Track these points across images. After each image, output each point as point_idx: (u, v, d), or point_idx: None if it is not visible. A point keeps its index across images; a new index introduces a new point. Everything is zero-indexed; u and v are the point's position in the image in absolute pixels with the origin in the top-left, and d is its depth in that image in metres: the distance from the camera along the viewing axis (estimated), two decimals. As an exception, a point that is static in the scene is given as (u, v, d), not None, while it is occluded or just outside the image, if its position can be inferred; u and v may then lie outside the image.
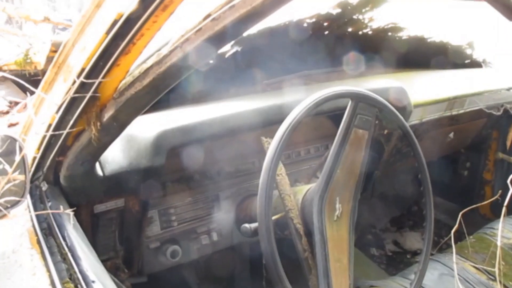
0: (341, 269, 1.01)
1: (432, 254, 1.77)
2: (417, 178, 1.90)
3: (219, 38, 0.64)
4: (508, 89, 2.01)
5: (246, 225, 1.02)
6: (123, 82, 0.75)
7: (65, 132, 0.76)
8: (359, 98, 1.05)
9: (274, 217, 1.07)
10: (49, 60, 1.51)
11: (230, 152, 1.33)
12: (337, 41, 1.60)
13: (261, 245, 0.91)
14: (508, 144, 2.14)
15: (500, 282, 1.49)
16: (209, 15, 0.64)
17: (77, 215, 0.89)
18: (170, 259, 1.25)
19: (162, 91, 0.75)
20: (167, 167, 1.21)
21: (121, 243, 1.18)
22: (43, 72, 1.53)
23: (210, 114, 1.13)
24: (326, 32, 1.47)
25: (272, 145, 0.95)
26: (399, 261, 2.18)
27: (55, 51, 1.32)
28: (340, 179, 1.05)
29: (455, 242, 1.78)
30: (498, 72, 2.12)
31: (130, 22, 0.63)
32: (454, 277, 1.51)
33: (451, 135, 1.99)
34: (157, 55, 0.72)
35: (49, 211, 0.81)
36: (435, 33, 1.88)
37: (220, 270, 1.79)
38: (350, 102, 1.05)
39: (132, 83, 0.73)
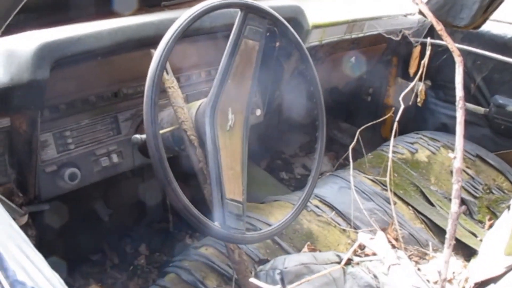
0: (234, 176, 1.05)
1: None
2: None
3: None
4: (405, 15, 2.10)
5: (137, 135, 1.02)
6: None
7: None
8: (248, 9, 1.05)
9: (168, 129, 1.08)
10: None
11: (127, 73, 1.31)
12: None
13: (149, 150, 0.92)
14: (411, 71, 2.25)
15: (391, 190, 1.62)
16: None
17: None
18: (68, 182, 1.22)
19: None
20: (59, 89, 1.17)
21: (13, 167, 1.14)
22: None
23: (97, 27, 1.09)
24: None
25: (156, 53, 0.94)
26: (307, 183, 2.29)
27: None
28: (232, 90, 1.07)
29: (355, 160, 1.90)
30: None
31: None
32: (351, 189, 1.63)
33: (353, 59, 2.07)
34: None
35: None
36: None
37: (126, 192, 1.80)
38: (239, 13, 1.05)
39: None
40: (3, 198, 1.00)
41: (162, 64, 0.94)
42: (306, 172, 2.34)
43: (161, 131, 1.03)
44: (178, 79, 1.42)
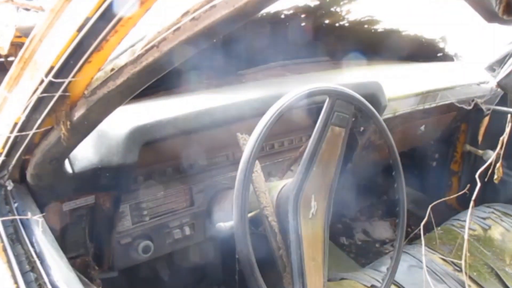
0: (315, 268, 1.01)
1: (401, 245, 1.80)
2: (387, 168, 1.93)
3: (198, 39, 0.61)
4: (479, 84, 2.04)
5: (221, 224, 1.00)
6: (95, 78, 0.71)
7: (31, 132, 0.72)
8: (337, 96, 1.03)
9: (249, 215, 1.05)
10: (13, 45, 1.43)
11: (203, 145, 1.31)
12: (313, 32, 1.58)
13: (237, 247, 0.90)
14: (480, 138, 2.17)
15: (466, 273, 1.52)
16: (187, 13, 0.61)
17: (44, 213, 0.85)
18: (142, 254, 1.22)
19: (136, 90, 0.72)
20: (139, 162, 1.18)
21: (92, 240, 1.15)
22: (7, 56, 1.46)
23: (184, 109, 1.10)
24: (303, 24, 1.44)
25: (248, 145, 0.93)
26: (368, 250, 2.21)
27: (20, 37, 1.26)
28: (316, 177, 1.04)
29: (424, 233, 1.82)
30: (470, 66, 2.15)
31: (103, 19, 0.59)
32: (423, 269, 1.54)
33: (422, 127, 2.01)
34: (131, 52, 0.69)
35: (17, 216, 0.77)
36: (409, 26, 1.88)
37: (192, 263, 1.79)
38: (327, 99, 1.04)
39: (105, 82, 0.69)
40: (80, 276, 0.99)
41: (254, 155, 0.92)
42: (367, 238, 2.26)
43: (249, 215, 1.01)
44: (262, 149, 1.40)
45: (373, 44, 1.82)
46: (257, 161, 1.07)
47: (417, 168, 2.48)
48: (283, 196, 1.05)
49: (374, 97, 1.38)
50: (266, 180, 1.29)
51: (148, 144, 1.10)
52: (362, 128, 1.35)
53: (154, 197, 1.25)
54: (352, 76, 1.46)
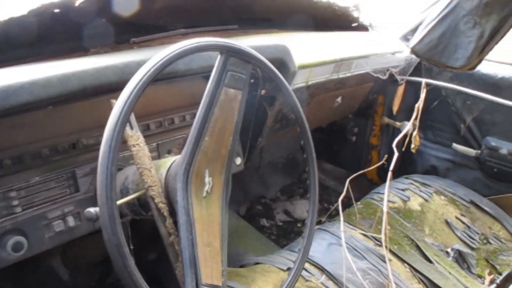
0: (212, 255, 0.86)
1: (321, 222, 1.71)
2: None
3: None
4: (393, 53, 2.00)
5: (91, 209, 0.82)
6: None
7: None
8: (229, 52, 0.89)
9: (131, 197, 0.89)
10: None
11: (87, 120, 1.12)
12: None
13: (103, 234, 0.73)
14: (395, 109, 2.15)
15: (386, 247, 1.45)
16: None
17: None
18: (11, 253, 1.02)
19: None
20: (2, 141, 0.98)
21: None
22: None
23: (46, 72, 0.91)
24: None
25: (115, 107, 0.76)
26: (289, 230, 2.12)
27: None
28: (210, 148, 0.89)
29: (344, 209, 1.74)
30: (384, 36, 2.10)
31: None
32: (342, 246, 1.46)
33: (339, 99, 1.93)
34: None
35: None
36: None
37: (93, 257, 1.60)
38: (219, 57, 0.89)
39: None
40: None
41: (122, 120, 0.76)
42: (288, 218, 2.17)
43: (122, 201, 0.84)
44: (147, 126, 1.25)
45: (284, 12, 1.70)
46: (139, 134, 0.90)
47: (337, 144, 2.43)
48: (172, 172, 0.89)
49: (281, 62, 1.26)
50: (162, 157, 1.13)
51: (8, 118, 0.91)
52: (263, 91, 1.21)
53: (27, 184, 1.04)
54: (255, 40, 1.32)
